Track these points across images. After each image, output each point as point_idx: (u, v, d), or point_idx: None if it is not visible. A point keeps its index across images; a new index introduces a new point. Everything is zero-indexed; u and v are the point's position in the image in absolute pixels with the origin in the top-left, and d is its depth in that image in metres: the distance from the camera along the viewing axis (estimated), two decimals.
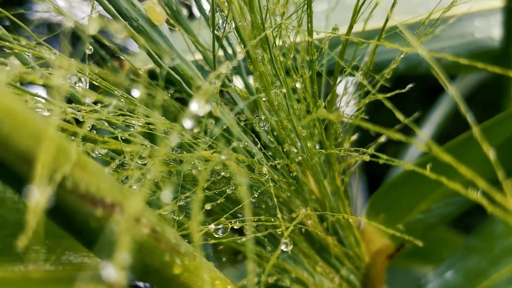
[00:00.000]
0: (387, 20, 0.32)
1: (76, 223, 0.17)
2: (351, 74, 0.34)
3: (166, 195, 0.15)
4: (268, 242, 0.33)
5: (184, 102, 0.35)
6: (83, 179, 0.17)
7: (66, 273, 0.20)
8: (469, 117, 0.20)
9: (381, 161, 0.24)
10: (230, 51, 0.33)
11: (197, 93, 0.18)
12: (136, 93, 0.19)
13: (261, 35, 0.23)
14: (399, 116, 0.23)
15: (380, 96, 0.33)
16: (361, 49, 0.37)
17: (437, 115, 0.71)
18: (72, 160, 0.16)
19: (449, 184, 0.20)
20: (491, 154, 0.19)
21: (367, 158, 0.27)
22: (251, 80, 0.33)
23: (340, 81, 0.30)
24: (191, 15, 0.43)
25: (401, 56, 0.32)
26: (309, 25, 0.25)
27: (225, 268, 0.36)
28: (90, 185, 0.17)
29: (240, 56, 0.20)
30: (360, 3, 0.29)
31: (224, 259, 0.33)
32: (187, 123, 0.18)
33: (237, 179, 0.21)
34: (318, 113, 0.24)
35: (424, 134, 0.67)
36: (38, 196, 0.13)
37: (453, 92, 0.20)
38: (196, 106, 0.18)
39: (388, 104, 0.22)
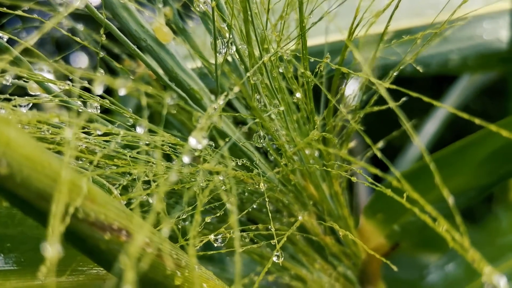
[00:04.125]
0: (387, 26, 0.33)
1: (89, 246, 0.20)
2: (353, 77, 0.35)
3: (165, 232, 0.17)
4: (266, 240, 0.36)
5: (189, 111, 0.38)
6: (93, 209, 0.20)
7: (81, 283, 0.23)
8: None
9: (366, 184, 0.26)
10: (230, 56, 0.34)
11: (195, 129, 0.21)
12: (139, 130, 0.21)
13: (258, 63, 0.25)
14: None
15: (375, 109, 0.34)
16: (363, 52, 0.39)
17: (444, 109, 0.71)
18: (83, 194, 0.19)
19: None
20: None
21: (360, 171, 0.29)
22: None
23: (339, 94, 0.32)
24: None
25: (407, 60, 0.33)
26: (304, 52, 0.27)
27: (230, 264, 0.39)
28: (98, 214, 0.20)
29: (237, 89, 0.22)
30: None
31: (227, 257, 0.36)
32: (186, 159, 0.20)
33: (230, 201, 0.23)
34: (312, 134, 0.26)
35: (429, 130, 0.68)
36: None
37: (417, 141, 0.21)
38: (195, 141, 0.21)
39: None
